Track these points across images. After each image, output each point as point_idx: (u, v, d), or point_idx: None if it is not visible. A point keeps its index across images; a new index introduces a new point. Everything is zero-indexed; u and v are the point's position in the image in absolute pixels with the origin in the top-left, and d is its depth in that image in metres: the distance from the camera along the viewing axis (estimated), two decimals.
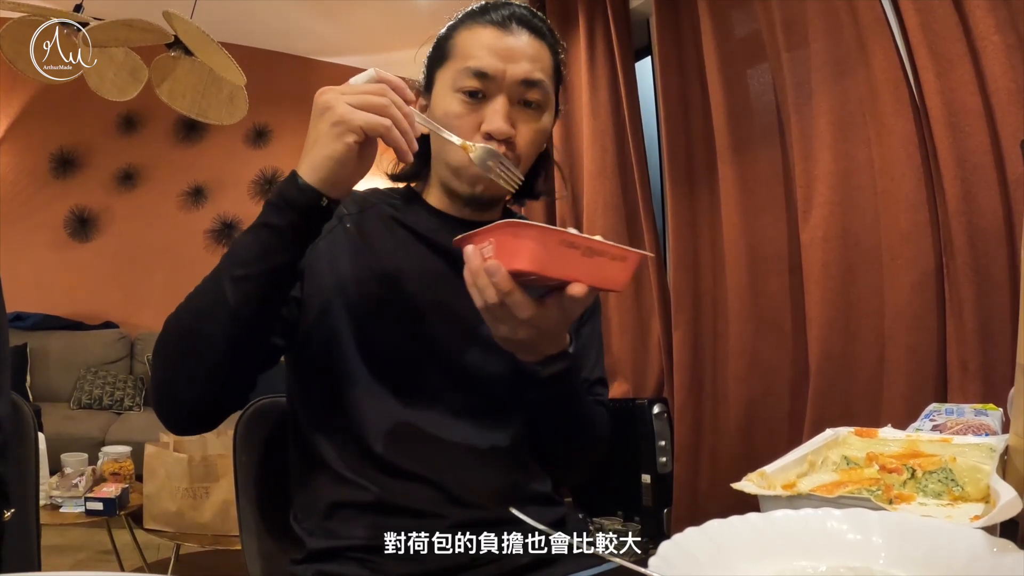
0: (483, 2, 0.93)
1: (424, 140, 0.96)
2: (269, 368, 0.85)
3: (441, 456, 0.85)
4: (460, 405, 0.88)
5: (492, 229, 0.70)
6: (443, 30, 0.94)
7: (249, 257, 0.74)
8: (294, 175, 0.73)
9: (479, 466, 0.87)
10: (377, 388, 0.86)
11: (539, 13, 0.93)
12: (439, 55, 0.92)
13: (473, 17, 0.91)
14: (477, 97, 0.87)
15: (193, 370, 0.77)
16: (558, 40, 0.95)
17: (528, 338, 0.74)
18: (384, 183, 1.03)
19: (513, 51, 0.87)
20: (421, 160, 0.99)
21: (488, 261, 0.69)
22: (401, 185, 1.02)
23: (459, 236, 0.74)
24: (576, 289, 0.68)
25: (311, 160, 0.72)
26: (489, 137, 0.86)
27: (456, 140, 0.82)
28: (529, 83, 0.87)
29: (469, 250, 0.71)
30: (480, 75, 0.86)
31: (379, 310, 0.87)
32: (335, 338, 0.86)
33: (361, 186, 1.01)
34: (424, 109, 0.94)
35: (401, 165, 0.99)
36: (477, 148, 0.83)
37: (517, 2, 0.93)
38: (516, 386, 0.87)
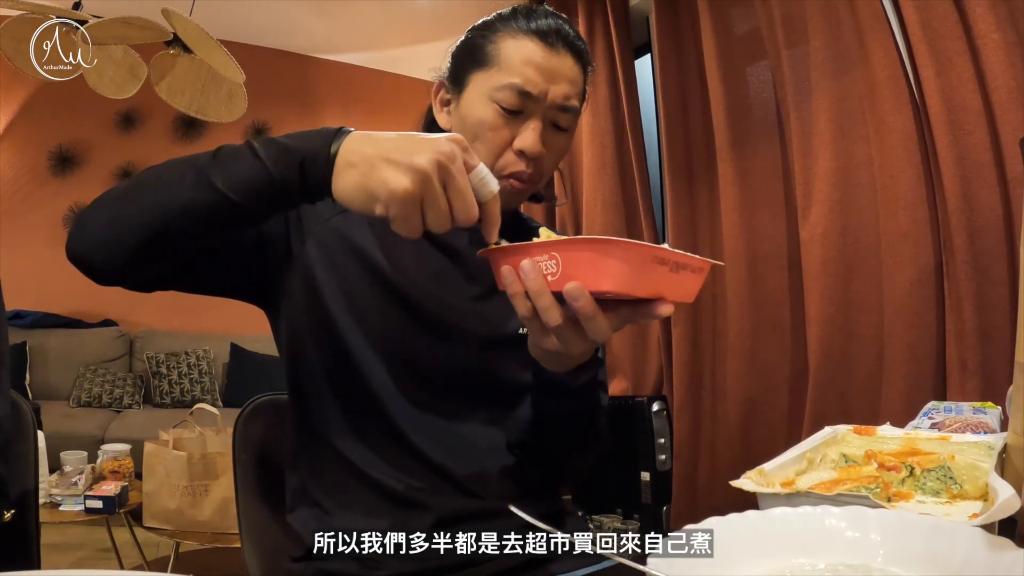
0: (524, 4, 0.92)
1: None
2: (189, 275, 0.81)
3: (440, 450, 0.85)
4: (461, 401, 0.88)
5: (558, 243, 0.63)
6: (480, 27, 0.92)
7: (232, 176, 0.69)
8: (332, 142, 0.66)
9: (479, 460, 0.87)
10: (376, 384, 0.86)
11: (578, 32, 0.92)
12: (477, 56, 0.89)
13: (517, 22, 0.88)
14: (515, 114, 0.86)
15: (125, 225, 0.72)
16: (591, 61, 0.94)
17: (579, 354, 0.70)
18: None
19: (556, 73, 0.86)
20: None
21: (569, 284, 0.61)
22: None
23: (494, 246, 0.68)
24: (665, 309, 0.63)
25: (362, 157, 0.65)
26: (521, 154, 0.86)
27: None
28: (565, 108, 0.87)
29: (527, 265, 0.64)
30: (523, 94, 0.85)
31: (381, 306, 0.87)
32: (337, 335, 0.86)
33: None
34: (447, 103, 0.93)
35: None
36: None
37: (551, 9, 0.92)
38: (527, 390, 0.86)
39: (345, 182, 0.66)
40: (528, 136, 0.86)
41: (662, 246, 0.61)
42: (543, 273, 0.63)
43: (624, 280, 0.60)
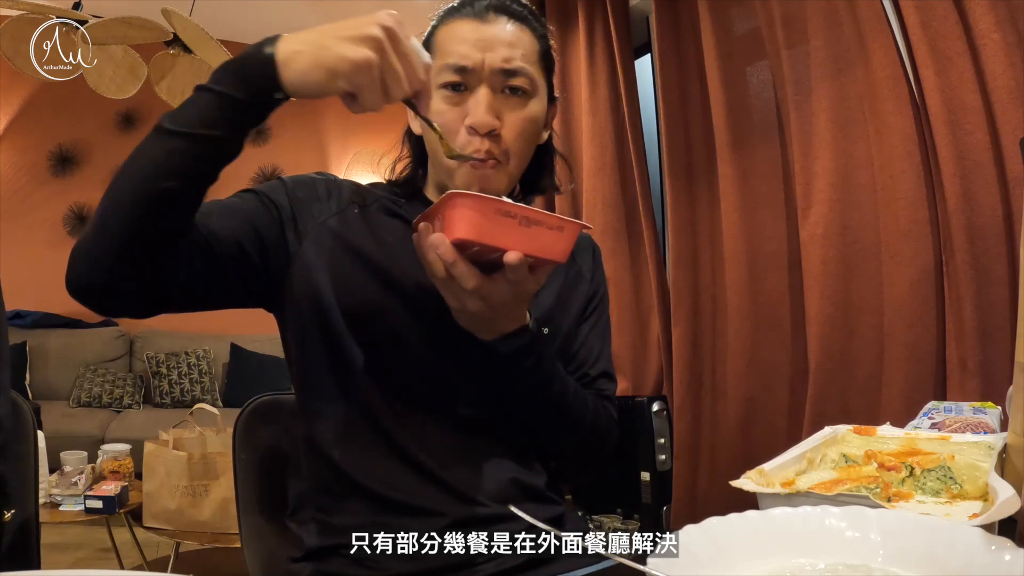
0: None
1: (419, 142, 0.95)
2: (180, 277, 0.77)
3: (441, 452, 0.85)
4: (460, 398, 0.87)
5: (438, 204, 0.71)
6: (427, 30, 0.93)
7: (183, 116, 0.70)
8: (266, 45, 0.69)
9: (479, 462, 0.86)
10: (375, 382, 0.85)
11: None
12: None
13: (452, 13, 0.89)
14: (460, 90, 0.85)
15: (108, 227, 0.71)
16: (543, 23, 0.92)
17: (479, 311, 0.75)
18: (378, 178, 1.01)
19: (490, 40, 0.85)
20: (417, 162, 0.98)
21: (433, 234, 0.71)
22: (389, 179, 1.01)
23: (418, 216, 0.76)
24: (511, 256, 0.69)
25: (302, 47, 0.68)
26: (473, 131, 0.84)
27: (444, 140, 0.80)
28: (509, 71, 0.85)
29: (421, 226, 0.73)
30: (458, 69, 0.84)
31: (376, 301, 0.86)
32: (334, 332, 0.86)
33: (363, 180, 1.00)
34: None
35: (398, 169, 0.98)
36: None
37: None
38: (489, 376, 0.85)
39: (296, 69, 0.69)
40: (474, 110, 0.83)
41: (510, 201, 0.70)
42: (432, 231, 0.72)
43: (473, 228, 0.67)
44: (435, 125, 0.79)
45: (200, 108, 0.70)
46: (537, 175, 0.98)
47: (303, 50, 0.69)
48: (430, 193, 0.97)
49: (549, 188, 1.01)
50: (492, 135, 0.84)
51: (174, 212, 0.73)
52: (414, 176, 0.98)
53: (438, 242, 0.70)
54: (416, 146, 0.98)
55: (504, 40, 0.86)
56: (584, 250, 1.03)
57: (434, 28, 0.91)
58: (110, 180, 0.73)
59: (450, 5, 0.91)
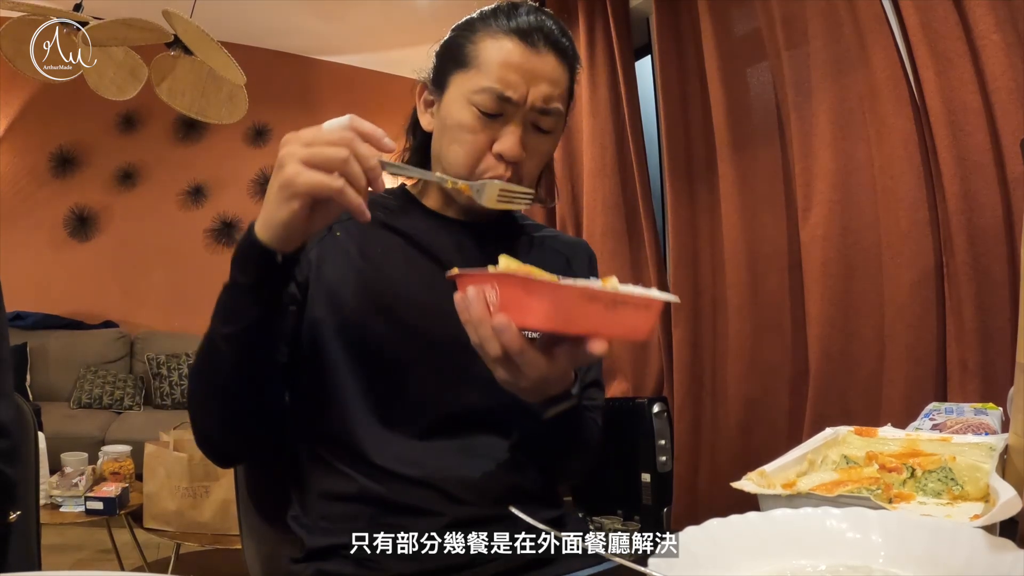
0: (508, 1, 0.88)
1: (425, 137, 0.93)
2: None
3: (438, 456, 0.85)
4: (456, 407, 0.87)
5: (497, 277, 0.63)
6: (462, 27, 0.89)
7: (228, 315, 0.74)
8: (251, 229, 0.70)
9: (478, 466, 0.86)
10: (369, 393, 0.85)
11: (563, 27, 0.89)
12: (457, 57, 0.87)
13: (498, 21, 0.86)
14: (493, 117, 0.85)
15: (222, 418, 0.80)
16: (578, 58, 0.91)
17: (532, 387, 0.70)
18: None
19: (537, 74, 0.84)
20: (420, 157, 0.96)
21: (496, 316, 0.63)
22: (396, 183, 0.99)
23: (456, 272, 0.70)
24: (598, 347, 0.62)
25: (263, 218, 0.69)
26: (500, 158, 0.85)
27: (448, 182, 0.79)
28: (546, 112, 0.85)
29: (471, 293, 0.65)
30: (502, 99, 0.83)
31: (368, 319, 0.85)
32: (325, 347, 0.85)
33: None
34: (431, 105, 0.92)
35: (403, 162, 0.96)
36: (477, 185, 0.82)
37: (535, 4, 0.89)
38: (514, 411, 0.84)
39: (269, 235, 0.69)
40: (507, 140, 0.84)
41: (599, 283, 0.61)
42: (485, 302, 0.64)
43: (551, 319, 0.59)
44: (445, 178, 0.80)
45: (236, 301, 0.73)
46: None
47: (263, 217, 0.69)
48: (430, 198, 0.95)
49: (542, 202, 1.01)
50: (515, 163, 0.86)
51: (266, 375, 0.80)
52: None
53: (503, 328, 0.63)
54: (422, 141, 0.95)
55: (549, 78, 0.85)
56: (580, 257, 1.03)
57: (473, 31, 0.87)
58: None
59: (496, 7, 0.87)
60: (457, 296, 0.67)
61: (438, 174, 0.80)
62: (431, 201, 0.95)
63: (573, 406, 0.79)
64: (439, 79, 0.90)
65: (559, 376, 0.71)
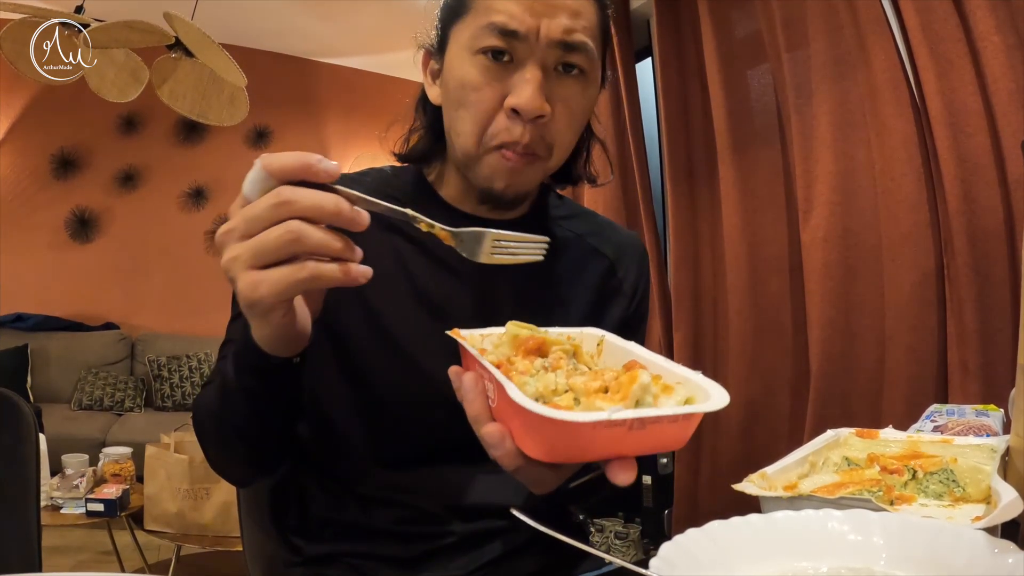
0: None
1: (436, 113, 0.79)
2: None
3: (438, 472, 0.80)
4: (458, 432, 0.85)
5: (493, 379, 0.49)
6: None
7: (242, 366, 0.64)
8: (248, 333, 0.60)
9: (479, 481, 0.81)
10: (370, 421, 0.79)
11: None
12: (456, 5, 0.73)
13: None
14: (502, 60, 0.68)
15: (233, 454, 0.74)
16: None
17: (540, 487, 0.57)
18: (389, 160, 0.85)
19: (549, 3, 0.67)
20: (433, 135, 0.81)
21: (487, 428, 0.50)
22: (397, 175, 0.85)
23: (455, 334, 0.58)
24: (622, 478, 0.50)
25: (255, 334, 0.59)
26: (516, 115, 0.68)
27: (422, 223, 0.57)
28: (569, 45, 0.68)
29: (467, 384, 0.52)
30: (506, 33, 0.67)
31: (367, 334, 0.77)
32: (322, 375, 0.77)
33: (359, 168, 0.86)
34: (437, 74, 0.78)
35: (410, 145, 0.82)
36: (464, 234, 0.58)
37: None
38: None
39: (258, 339, 0.60)
40: (522, 89, 0.67)
41: (621, 413, 0.44)
42: (485, 395, 0.52)
43: (558, 453, 0.47)
44: (418, 217, 0.57)
45: (247, 391, 0.65)
46: (569, 163, 0.82)
47: (255, 332, 0.60)
48: (448, 184, 0.81)
49: (582, 180, 0.86)
50: (538, 121, 0.69)
51: (278, 428, 0.72)
52: (430, 151, 0.82)
53: (494, 445, 0.50)
54: (433, 118, 0.81)
55: (566, 5, 0.68)
56: (629, 258, 0.89)
57: None
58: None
59: None
60: (453, 373, 0.55)
61: (409, 211, 0.56)
62: (449, 190, 0.81)
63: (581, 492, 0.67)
64: (441, 39, 0.76)
65: (568, 473, 0.56)
